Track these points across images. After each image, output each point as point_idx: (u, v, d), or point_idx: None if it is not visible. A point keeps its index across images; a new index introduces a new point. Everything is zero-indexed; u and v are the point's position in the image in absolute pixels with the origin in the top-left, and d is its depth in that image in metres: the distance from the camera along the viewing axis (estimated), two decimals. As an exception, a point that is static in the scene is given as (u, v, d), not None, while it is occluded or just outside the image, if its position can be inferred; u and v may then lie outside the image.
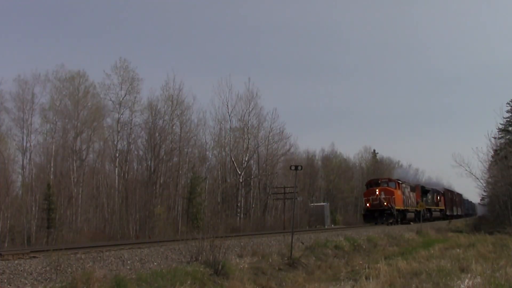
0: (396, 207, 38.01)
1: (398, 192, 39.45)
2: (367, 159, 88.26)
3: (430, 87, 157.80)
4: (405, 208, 41.19)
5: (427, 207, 48.80)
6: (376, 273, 13.20)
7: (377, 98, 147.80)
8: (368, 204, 38.51)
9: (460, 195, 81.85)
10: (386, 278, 12.32)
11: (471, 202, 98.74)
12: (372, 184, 40.70)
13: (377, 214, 37.30)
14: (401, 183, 41.71)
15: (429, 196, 52.77)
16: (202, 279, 11.79)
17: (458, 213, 73.42)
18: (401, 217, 40.17)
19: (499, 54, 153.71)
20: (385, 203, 37.23)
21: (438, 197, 57.42)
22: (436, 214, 53.70)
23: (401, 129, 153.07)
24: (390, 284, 11.75)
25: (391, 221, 37.10)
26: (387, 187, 38.77)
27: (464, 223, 52.97)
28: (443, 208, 58.97)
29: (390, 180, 41.48)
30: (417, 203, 45.70)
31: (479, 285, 10.95)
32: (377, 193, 38.04)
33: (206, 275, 12.13)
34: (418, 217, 45.40)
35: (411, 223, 42.28)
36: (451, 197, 68.24)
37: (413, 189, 46.35)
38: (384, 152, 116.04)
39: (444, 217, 57.87)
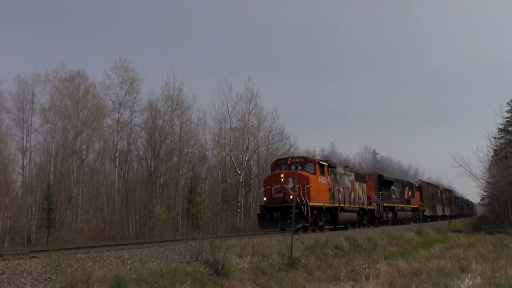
0: (312, 203, 23.50)
1: (319, 180, 25.12)
2: (367, 159, 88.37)
3: (430, 87, 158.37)
4: (337, 205, 26.97)
5: (388, 204, 37.24)
6: (376, 273, 13.20)
7: (377, 98, 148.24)
8: (265, 198, 24.12)
9: (450, 192, 72.35)
10: (386, 278, 12.33)
11: (467, 200, 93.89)
12: (279, 164, 25.86)
13: (277, 215, 23.17)
14: (332, 167, 27.48)
15: (395, 190, 40.10)
16: (202, 279, 11.79)
17: (446, 213, 62.38)
18: (328, 219, 26.49)
19: (499, 54, 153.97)
20: (291, 197, 22.38)
21: (410, 192, 45.30)
22: (405, 214, 41.57)
23: (401, 129, 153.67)
24: (390, 284, 11.75)
25: (300, 226, 22.98)
26: (299, 172, 23.49)
27: (464, 223, 52.87)
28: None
29: (307, 160, 25.94)
30: (369, 198, 33.44)
31: (479, 285, 10.94)
32: (282, 179, 23.57)
33: (206, 275, 12.13)
34: (372, 219, 33.99)
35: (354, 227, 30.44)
36: (433, 193, 56.67)
37: (361, 178, 32.75)
38: (384, 152, 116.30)
39: (419, 218, 45.20)
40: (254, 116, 46.93)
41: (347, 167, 33.01)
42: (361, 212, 31.78)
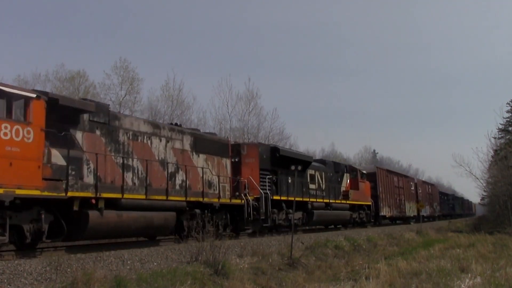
0: None
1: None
2: (367, 159, 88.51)
3: (430, 87, 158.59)
4: (91, 194, 12.52)
5: (292, 198, 20.95)
6: (376, 273, 13.20)
7: (377, 98, 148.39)
8: None
9: (431, 186, 59.03)
10: (386, 278, 12.33)
11: (461, 198, 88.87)
12: None
13: None
14: (86, 111, 12.87)
15: (317, 176, 26.16)
16: (202, 279, 11.79)
17: (424, 213, 45.04)
18: (47, 228, 11.43)
19: (499, 54, 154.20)
20: None
21: (353, 183, 30.70)
22: (333, 214, 26.82)
23: (401, 129, 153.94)
24: (390, 284, 11.76)
25: None
26: None
27: (464, 223, 52.91)
28: (369, 203, 32.77)
29: None
30: (242, 186, 19.52)
31: (479, 285, 10.95)
32: None
33: (206, 275, 12.13)
34: (239, 222, 19.14)
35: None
36: (399, 186, 41.92)
37: (213, 147, 18.46)
38: (384, 152, 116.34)
39: (369, 220, 33.03)
40: (254, 116, 46.85)
41: (176, 124, 18.07)
42: (198, 211, 16.64)
